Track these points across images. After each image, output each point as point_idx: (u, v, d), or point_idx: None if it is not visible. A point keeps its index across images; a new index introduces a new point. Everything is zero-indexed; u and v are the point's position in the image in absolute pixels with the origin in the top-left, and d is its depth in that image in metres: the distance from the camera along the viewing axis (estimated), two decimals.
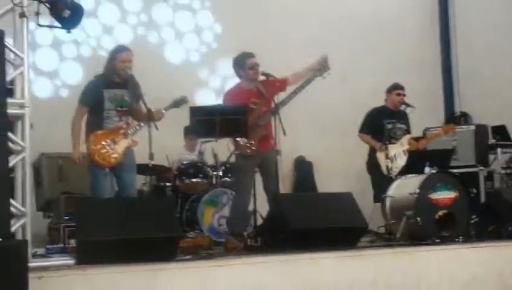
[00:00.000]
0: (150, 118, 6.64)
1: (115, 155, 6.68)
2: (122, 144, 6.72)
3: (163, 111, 6.90)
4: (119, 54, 6.80)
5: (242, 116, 6.86)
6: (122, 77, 6.74)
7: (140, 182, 8.24)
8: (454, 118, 11.40)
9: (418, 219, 6.59)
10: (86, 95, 6.77)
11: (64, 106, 8.71)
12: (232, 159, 8.01)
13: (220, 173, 8.10)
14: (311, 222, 6.28)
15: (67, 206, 7.46)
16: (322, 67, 7.27)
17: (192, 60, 10.33)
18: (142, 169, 7.76)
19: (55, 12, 5.35)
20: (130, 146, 6.78)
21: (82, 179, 7.62)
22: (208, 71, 10.37)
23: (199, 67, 10.36)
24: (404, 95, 8.39)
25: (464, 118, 11.35)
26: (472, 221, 6.86)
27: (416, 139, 8.51)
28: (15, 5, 5.37)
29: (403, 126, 8.34)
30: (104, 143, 6.65)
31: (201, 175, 8.40)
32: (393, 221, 6.87)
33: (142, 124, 6.81)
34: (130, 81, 6.74)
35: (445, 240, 6.62)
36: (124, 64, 6.74)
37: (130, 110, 6.86)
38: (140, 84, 6.77)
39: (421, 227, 6.61)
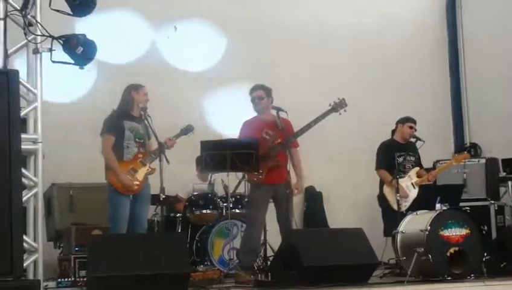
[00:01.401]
0: (161, 150, 6.82)
1: (137, 183, 6.88)
2: (141, 172, 6.93)
3: (175, 139, 7.10)
4: (141, 88, 7.08)
5: (253, 151, 6.90)
6: (140, 110, 6.95)
7: (151, 212, 8.29)
8: (464, 149, 11.36)
9: (429, 255, 6.53)
10: (109, 125, 6.96)
11: (75, 135, 8.84)
12: (240, 189, 8.09)
13: (231, 205, 8.08)
14: (322, 258, 6.26)
15: (78, 237, 7.41)
16: (338, 105, 7.30)
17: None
18: (153, 199, 7.81)
19: (68, 49, 5.40)
20: (148, 173, 6.98)
21: (93, 210, 7.70)
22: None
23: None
24: (416, 130, 8.39)
25: (474, 149, 11.34)
26: (484, 258, 6.78)
27: (427, 170, 8.50)
28: (29, 41, 5.43)
29: (413, 158, 8.35)
30: (125, 172, 6.82)
31: (211, 206, 8.38)
32: (404, 257, 6.81)
33: (157, 152, 6.97)
34: (144, 116, 6.95)
35: (456, 278, 6.56)
36: (146, 97, 7.03)
37: (145, 143, 7.10)
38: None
39: (432, 264, 6.54)
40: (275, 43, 10.50)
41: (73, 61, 5.38)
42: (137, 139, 6.97)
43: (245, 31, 10.34)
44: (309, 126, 7.29)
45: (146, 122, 6.98)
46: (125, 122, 6.92)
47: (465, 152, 9.03)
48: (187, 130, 7.34)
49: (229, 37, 10.31)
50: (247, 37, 10.35)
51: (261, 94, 7.41)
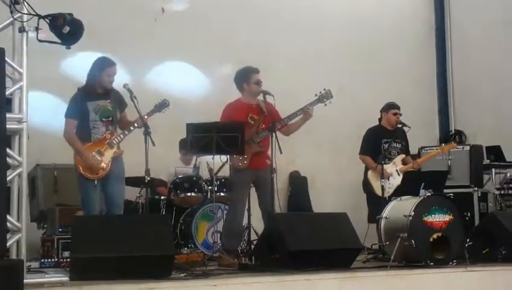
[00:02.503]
0: (146, 132, 6.74)
1: (103, 165, 6.72)
2: (108, 155, 6.77)
3: (146, 117, 6.91)
4: (107, 67, 6.86)
5: (239, 134, 6.89)
6: (106, 89, 6.82)
7: (135, 194, 8.27)
8: (449, 136, 11.42)
9: (413, 241, 6.57)
10: (71, 108, 6.83)
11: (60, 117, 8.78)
12: (224, 172, 8.08)
13: (215, 188, 8.08)
14: (306, 242, 6.28)
15: (61, 218, 7.42)
16: (324, 96, 7.30)
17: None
18: (138, 182, 7.80)
19: (55, 28, 5.34)
20: (116, 156, 6.82)
21: (77, 191, 7.62)
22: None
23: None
24: (400, 114, 8.40)
25: (459, 136, 11.40)
26: (466, 244, 6.83)
27: (413, 158, 8.53)
28: (15, 19, 5.37)
29: (399, 145, 8.36)
30: (90, 156, 6.69)
31: (196, 189, 8.37)
32: (387, 242, 6.85)
33: (126, 132, 6.88)
34: (112, 92, 6.84)
35: (439, 263, 6.61)
36: (109, 78, 6.83)
37: (114, 119, 6.91)
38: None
39: (415, 250, 6.59)
40: (267, 27, 10.51)
41: (59, 41, 5.33)
42: (103, 119, 6.79)
43: (237, 14, 10.30)
44: (295, 114, 7.31)
45: (118, 92, 6.84)
46: (89, 104, 6.75)
47: (452, 142, 9.02)
48: (162, 105, 7.03)
49: (221, 20, 10.24)
50: (239, 21, 10.32)
51: (260, 78, 7.39)
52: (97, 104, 6.80)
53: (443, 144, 8.84)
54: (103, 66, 6.85)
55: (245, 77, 7.40)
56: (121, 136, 6.87)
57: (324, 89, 7.35)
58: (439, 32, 12.25)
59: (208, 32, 10.08)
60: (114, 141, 6.82)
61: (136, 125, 6.82)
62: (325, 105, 7.36)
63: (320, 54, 10.74)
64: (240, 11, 10.36)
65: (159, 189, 8.60)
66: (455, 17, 12.11)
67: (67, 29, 5.26)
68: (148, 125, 6.85)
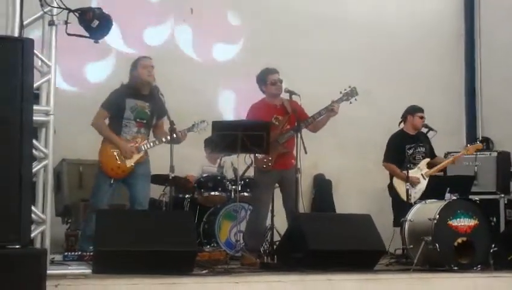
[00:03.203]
0: (172, 133, 6.70)
1: (123, 168, 6.76)
2: (134, 158, 6.79)
3: (186, 132, 6.98)
4: (140, 61, 6.91)
5: (264, 133, 6.89)
6: (147, 84, 6.79)
7: (159, 192, 8.30)
8: (477, 142, 11.31)
9: (437, 245, 6.52)
10: (109, 100, 6.86)
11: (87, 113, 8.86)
12: (249, 172, 8.07)
13: (239, 188, 8.08)
14: (329, 243, 6.25)
15: (86, 213, 7.45)
16: (349, 94, 7.25)
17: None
18: (162, 180, 7.83)
19: (84, 22, 5.37)
20: (139, 161, 6.83)
21: None
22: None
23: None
24: (425, 118, 8.34)
25: (486, 143, 11.28)
26: (492, 250, 6.76)
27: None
28: (45, 12, 5.41)
29: (423, 149, 8.29)
30: (115, 154, 6.73)
31: (220, 189, 8.38)
32: (411, 246, 6.80)
33: (157, 142, 6.91)
34: (155, 95, 6.80)
35: (463, 268, 6.55)
36: (146, 69, 6.84)
37: (148, 123, 6.94)
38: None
39: (439, 253, 6.54)
40: (289, 29, 10.50)
41: (88, 35, 5.36)
42: (138, 120, 6.84)
43: (260, 16, 10.32)
44: (319, 114, 7.25)
45: (159, 99, 6.79)
46: (128, 101, 6.79)
47: (478, 142, 8.93)
48: (199, 125, 7.18)
49: (243, 22, 10.26)
50: (261, 23, 10.34)
51: (278, 77, 7.37)
52: (135, 103, 6.83)
53: (469, 145, 8.74)
54: (137, 61, 6.92)
55: (262, 79, 7.42)
56: (151, 144, 6.90)
57: (349, 86, 7.30)
58: (468, 39, 12.17)
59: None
60: (143, 147, 6.85)
61: (168, 138, 6.76)
62: (350, 103, 7.31)
63: (346, 56, 10.71)
64: (261, 11, 10.35)
65: (186, 186, 8.58)
66: (485, 23, 12.01)
67: (96, 23, 5.30)
68: (180, 138, 6.85)
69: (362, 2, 11.20)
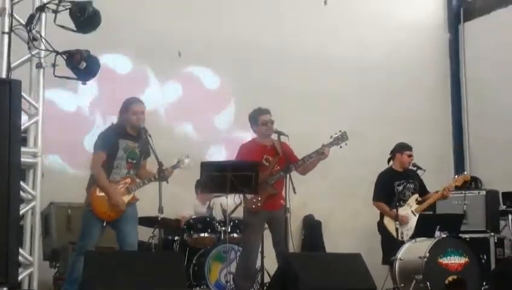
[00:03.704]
0: (160, 174, 6.65)
1: (116, 210, 6.66)
2: (125, 199, 6.72)
3: (172, 169, 6.92)
4: (131, 105, 6.84)
5: (253, 173, 6.87)
6: (136, 128, 6.78)
7: (148, 234, 8.24)
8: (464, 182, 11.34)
9: (428, 283, 6.50)
10: (103, 141, 6.77)
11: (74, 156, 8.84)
12: (239, 214, 8.04)
13: (229, 229, 8.04)
14: (320, 282, 6.19)
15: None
16: (340, 138, 7.29)
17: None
18: (151, 222, 7.78)
19: (71, 64, 5.43)
20: (130, 202, 6.77)
21: None
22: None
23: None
24: (413, 156, 8.36)
25: (475, 182, 11.31)
26: (482, 288, 6.74)
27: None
28: (32, 55, 5.46)
29: (412, 185, 8.28)
30: (106, 197, 6.65)
31: (209, 230, 8.32)
32: (402, 285, 6.78)
33: (146, 181, 6.85)
34: (142, 135, 6.78)
35: None
36: (136, 116, 6.79)
37: (137, 164, 6.89)
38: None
39: None
40: (280, 69, 10.54)
41: (76, 77, 5.39)
42: (129, 160, 6.78)
43: (250, 54, 10.39)
44: (309, 157, 7.25)
45: (146, 140, 6.74)
46: (120, 141, 6.74)
47: (465, 174, 8.93)
48: (184, 161, 7.10)
49: (233, 60, 10.33)
50: (252, 61, 10.39)
51: (269, 118, 7.40)
52: (127, 144, 6.78)
53: (456, 176, 8.74)
54: (127, 104, 6.85)
55: (253, 119, 7.44)
56: (140, 184, 6.84)
57: (340, 131, 7.33)
58: (454, 79, 12.29)
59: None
60: (133, 187, 6.80)
61: (156, 177, 6.72)
62: (341, 147, 7.33)
63: (335, 97, 10.78)
64: (252, 52, 10.42)
65: (176, 228, 8.51)
66: (470, 63, 12.17)
67: (83, 65, 5.35)
68: (167, 175, 6.78)
69: (351, 43, 11.29)
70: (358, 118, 10.40)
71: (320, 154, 7.21)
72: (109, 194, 6.60)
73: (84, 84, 5.51)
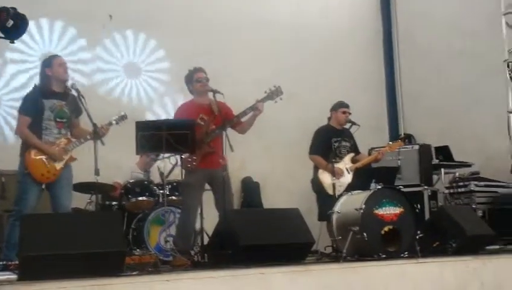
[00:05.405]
0: (95, 133, 6.57)
1: (54, 172, 6.61)
2: (62, 161, 6.66)
3: (108, 126, 6.87)
4: (55, 59, 6.79)
5: (189, 131, 6.84)
6: (63, 81, 6.69)
7: (85, 201, 8.15)
8: (398, 139, 11.53)
9: (364, 234, 6.61)
10: (26, 104, 6.68)
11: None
12: (178, 174, 8.01)
13: (167, 191, 8.02)
14: (259, 237, 6.24)
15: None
16: (274, 93, 7.30)
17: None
18: (87, 187, 7.68)
19: None
20: (69, 162, 6.72)
21: None
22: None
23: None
24: (350, 113, 8.47)
25: (409, 139, 11.53)
26: (417, 237, 6.89)
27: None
28: None
29: (348, 144, 8.41)
30: (43, 159, 6.58)
31: (147, 193, 8.31)
32: (339, 237, 6.87)
33: (82, 140, 6.77)
34: (68, 93, 6.71)
35: (390, 256, 6.65)
36: (61, 67, 6.74)
37: (68, 123, 6.80)
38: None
39: (367, 243, 6.62)
40: (212, 30, 10.50)
41: (3, 35, 5.26)
42: (58, 119, 6.68)
43: (181, 17, 10.29)
44: (244, 113, 7.31)
45: (74, 97, 6.67)
46: (45, 101, 6.63)
47: (399, 140, 9.15)
48: (120, 118, 7.13)
49: (165, 25, 10.22)
50: (184, 24, 10.30)
51: (204, 76, 7.40)
52: (53, 103, 6.68)
53: (390, 142, 8.91)
54: (51, 59, 6.79)
55: (189, 78, 7.49)
56: (76, 143, 6.76)
57: (274, 86, 7.36)
58: (386, 37, 12.46)
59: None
60: (69, 148, 6.71)
61: (91, 136, 6.63)
62: (275, 102, 7.36)
63: (268, 57, 10.79)
64: (185, 16, 10.36)
65: (114, 193, 8.45)
66: (402, 22, 12.35)
67: (10, 23, 5.21)
68: (104, 133, 6.72)
69: (285, 2, 11.28)
70: (293, 78, 10.42)
71: (254, 109, 7.24)
72: (44, 149, 6.53)
73: (13, 42, 5.37)
